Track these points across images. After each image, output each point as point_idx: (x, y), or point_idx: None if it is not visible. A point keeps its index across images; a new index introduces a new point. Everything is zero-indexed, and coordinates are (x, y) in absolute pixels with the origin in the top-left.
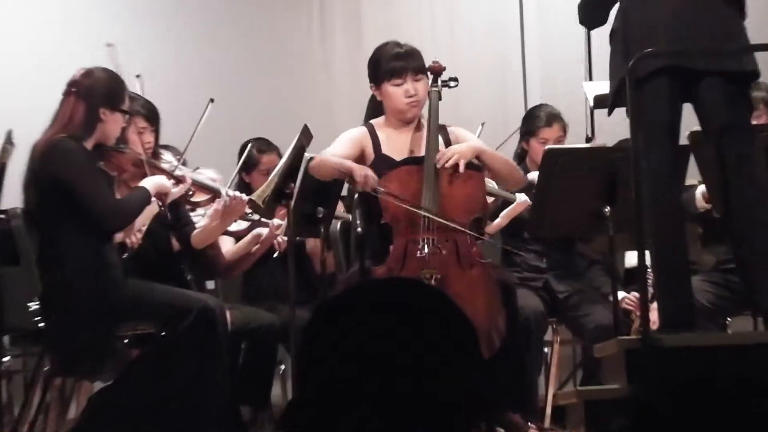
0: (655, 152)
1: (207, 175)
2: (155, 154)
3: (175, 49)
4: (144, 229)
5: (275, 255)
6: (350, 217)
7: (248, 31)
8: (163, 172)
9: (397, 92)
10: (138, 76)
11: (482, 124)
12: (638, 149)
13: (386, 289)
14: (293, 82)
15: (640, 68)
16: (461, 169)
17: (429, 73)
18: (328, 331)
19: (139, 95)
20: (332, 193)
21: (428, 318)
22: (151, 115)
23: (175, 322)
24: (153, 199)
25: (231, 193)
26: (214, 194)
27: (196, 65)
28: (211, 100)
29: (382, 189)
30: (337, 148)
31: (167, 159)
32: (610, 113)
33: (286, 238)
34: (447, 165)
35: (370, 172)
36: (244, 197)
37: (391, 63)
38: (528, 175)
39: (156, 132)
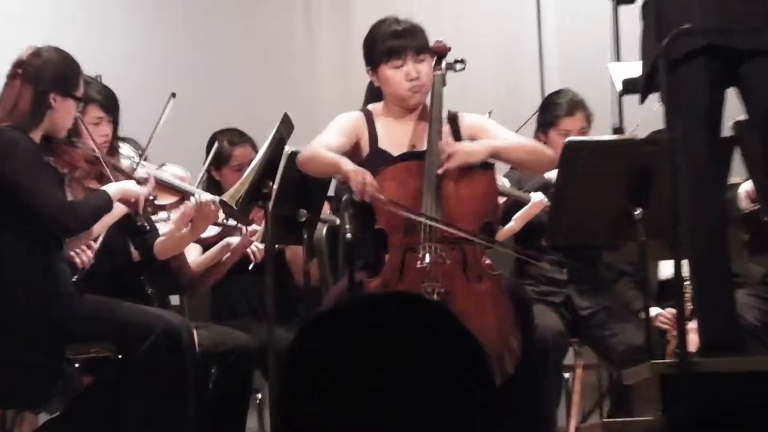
0: (693, 145)
1: (173, 173)
2: (112, 149)
3: (139, 31)
4: (98, 244)
5: (251, 267)
6: (338, 220)
7: (221, 8)
8: (121, 171)
9: (397, 76)
10: (98, 77)
11: (489, 113)
12: (674, 142)
13: (381, 306)
14: (272, 66)
15: (675, 47)
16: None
17: (432, 54)
18: (315, 356)
19: (95, 79)
20: (316, 192)
21: (431, 339)
22: (109, 103)
23: (133, 343)
24: (118, 206)
25: (203, 197)
26: (182, 196)
27: (163, 48)
28: (173, 95)
29: (382, 197)
30: (330, 136)
31: (126, 153)
32: (642, 100)
33: (262, 246)
34: (449, 168)
35: (369, 178)
36: (216, 200)
37: (389, 42)
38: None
39: (114, 123)
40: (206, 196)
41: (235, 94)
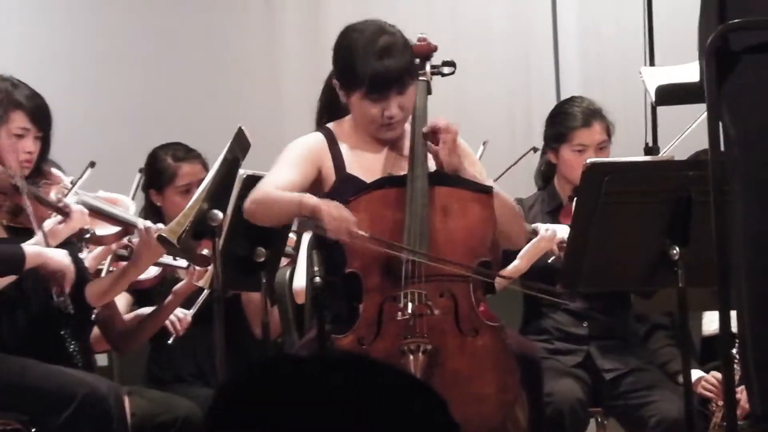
0: (753, 165)
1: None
2: (39, 172)
3: (65, 32)
4: None
5: (170, 340)
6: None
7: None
8: (46, 204)
9: (371, 111)
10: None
11: (484, 144)
12: (720, 163)
13: (327, 378)
14: (224, 70)
15: (734, 39)
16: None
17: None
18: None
19: (21, 82)
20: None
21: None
22: (39, 114)
23: (50, 414)
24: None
25: (147, 225)
26: (125, 227)
27: (93, 45)
28: (92, 165)
29: (364, 233)
30: (285, 172)
31: (58, 175)
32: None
33: (189, 313)
34: (437, 126)
35: (345, 213)
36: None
37: (372, 73)
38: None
39: (43, 141)
40: (149, 224)
41: (178, 105)
